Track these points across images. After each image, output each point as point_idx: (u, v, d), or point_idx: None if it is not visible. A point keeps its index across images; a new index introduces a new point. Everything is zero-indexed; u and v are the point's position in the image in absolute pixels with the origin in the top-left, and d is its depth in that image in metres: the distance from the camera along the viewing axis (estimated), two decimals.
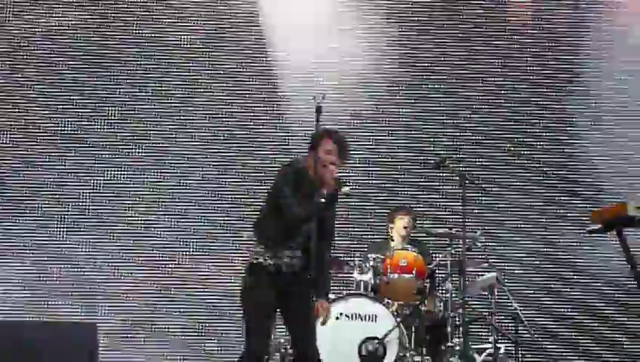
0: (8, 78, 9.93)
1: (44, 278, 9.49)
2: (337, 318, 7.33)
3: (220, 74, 9.83)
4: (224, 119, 9.76)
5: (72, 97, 9.85)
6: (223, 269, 9.39)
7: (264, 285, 5.86)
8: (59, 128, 9.80)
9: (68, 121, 9.81)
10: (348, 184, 5.85)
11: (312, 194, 5.80)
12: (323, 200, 5.75)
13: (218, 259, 9.43)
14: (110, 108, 9.81)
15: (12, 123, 9.85)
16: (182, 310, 9.38)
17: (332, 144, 5.87)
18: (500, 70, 9.69)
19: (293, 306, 5.93)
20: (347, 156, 5.95)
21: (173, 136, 9.72)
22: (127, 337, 9.35)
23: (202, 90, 9.81)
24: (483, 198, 9.27)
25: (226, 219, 9.50)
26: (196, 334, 9.32)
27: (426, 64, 9.74)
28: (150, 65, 9.86)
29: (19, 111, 9.87)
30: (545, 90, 9.61)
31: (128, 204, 9.62)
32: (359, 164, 9.52)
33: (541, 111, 9.60)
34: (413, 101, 9.72)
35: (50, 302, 9.43)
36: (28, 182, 9.70)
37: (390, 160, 9.66)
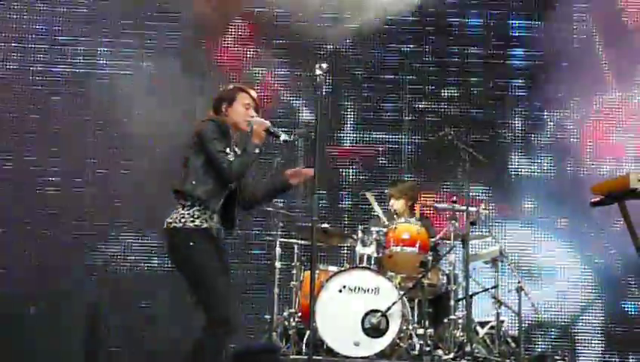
0: None
1: None
2: (340, 291, 7.33)
3: None
4: None
5: None
6: None
7: (212, 249, 5.48)
8: None
9: None
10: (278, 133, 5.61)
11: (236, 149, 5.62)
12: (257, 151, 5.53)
13: None
14: None
15: None
16: None
17: (250, 98, 5.75)
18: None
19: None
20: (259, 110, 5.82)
21: None
22: None
23: None
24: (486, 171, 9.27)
25: None
26: None
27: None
28: None
29: None
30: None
31: None
32: (362, 134, 9.54)
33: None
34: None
35: None
36: None
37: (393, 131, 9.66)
